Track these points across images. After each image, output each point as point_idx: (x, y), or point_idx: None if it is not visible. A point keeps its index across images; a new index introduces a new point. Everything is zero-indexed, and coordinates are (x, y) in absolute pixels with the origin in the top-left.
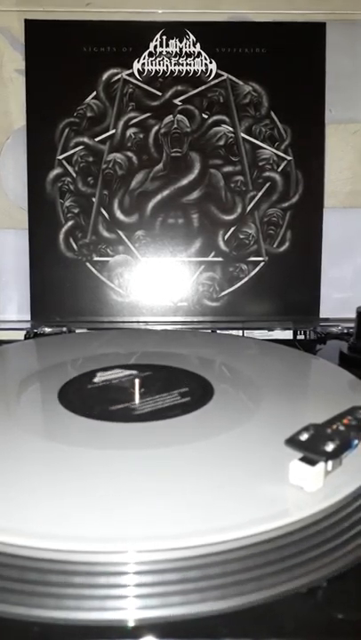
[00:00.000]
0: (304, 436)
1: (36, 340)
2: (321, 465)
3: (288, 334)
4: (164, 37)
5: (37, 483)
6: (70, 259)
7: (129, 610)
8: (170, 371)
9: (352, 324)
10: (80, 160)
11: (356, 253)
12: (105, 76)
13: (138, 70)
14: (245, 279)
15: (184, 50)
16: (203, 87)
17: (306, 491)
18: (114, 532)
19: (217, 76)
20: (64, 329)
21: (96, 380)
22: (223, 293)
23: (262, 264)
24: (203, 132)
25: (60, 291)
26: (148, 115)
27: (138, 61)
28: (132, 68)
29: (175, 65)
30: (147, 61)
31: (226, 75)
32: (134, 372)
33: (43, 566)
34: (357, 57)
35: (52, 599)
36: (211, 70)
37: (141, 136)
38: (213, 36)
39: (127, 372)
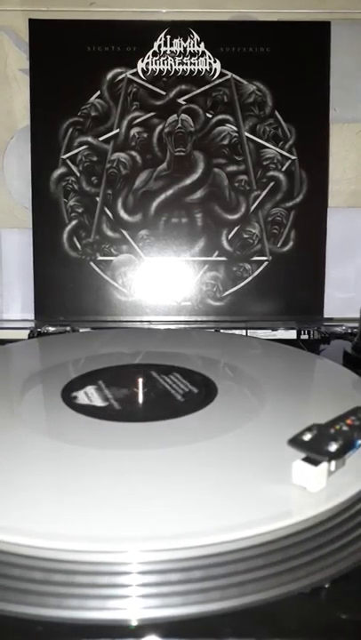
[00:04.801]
0: (307, 436)
1: (40, 339)
2: (324, 465)
3: (292, 334)
4: (169, 37)
5: (40, 481)
6: (74, 258)
7: (131, 609)
8: (173, 370)
9: (356, 324)
10: (84, 159)
11: (360, 253)
12: (109, 76)
13: (142, 70)
14: (249, 279)
15: (188, 49)
16: (207, 86)
17: (309, 491)
18: (116, 532)
19: (221, 75)
20: (68, 328)
21: (93, 405)
22: (227, 293)
23: (266, 264)
24: (207, 131)
25: (64, 290)
26: (152, 114)
27: (142, 61)
28: (136, 67)
29: (179, 64)
30: (151, 61)
31: (230, 74)
32: (96, 385)
33: (45, 565)
34: None
35: (55, 598)
36: (215, 69)
37: (145, 135)
38: (217, 35)
39: (94, 387)
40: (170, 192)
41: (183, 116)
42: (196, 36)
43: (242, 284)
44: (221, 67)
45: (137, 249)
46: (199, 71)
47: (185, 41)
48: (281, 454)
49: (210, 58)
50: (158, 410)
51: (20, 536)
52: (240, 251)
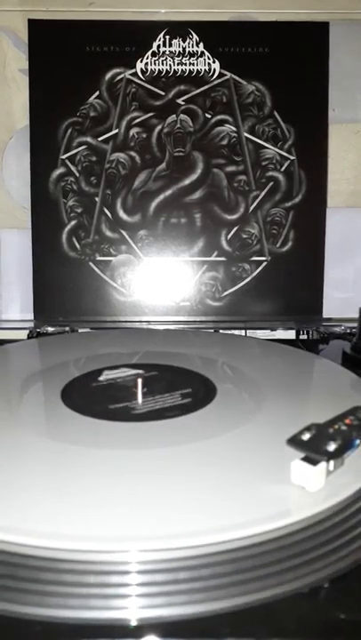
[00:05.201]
0: (306, 436)
1: (39, 339)
2: (323, 465)
3: (291, 334)
4: (168, 37)
5: (40, 481)
6: (73, 258)
7: (131, 609)
8: (174, 370)
9: (355, 324)
10: (83, 160)
11: (359, 253)
12: (108, 76)
13: (141, 70)
14: (248, 279)
15: (187, 49)
16: (206, 87)
17: (307, 490)
18: (116, 532)
19: (220, 75)
20: (67, 328)
21: (102, 378)
22: (226, 293)
23: (265, 264)
24: (206, 131)
25: (63, 290)
26: (151, 114)
27: (141, 61)
28: (135, 67)
29: (178, 64)
30: (150, 61)
31: (229, 74)
32: (140, 371)
33: (45, 565)
34: None
35: (55, 598)
36: (214, 70)
37: (144, 136)
38: (216, 35)
39: (133, 372)
40: (169, 192)
41: (182, 116)
42: (195, 37)
43: (241, 284)
44: (220, 67)
45: (136, 249)
46: (198, 71)
47: (184, 41)
48: (280, 454)
49: (209, 58)
50: (156, 410)
51: (20, 536)
52: (239, 251)
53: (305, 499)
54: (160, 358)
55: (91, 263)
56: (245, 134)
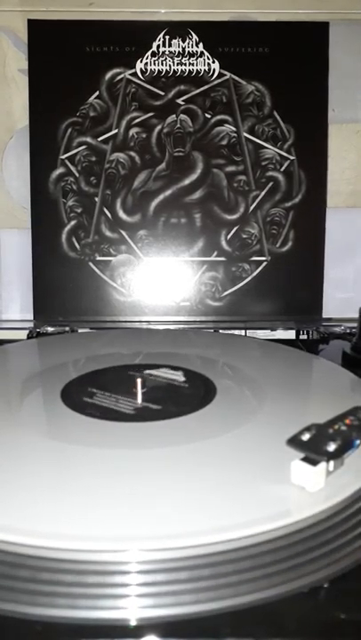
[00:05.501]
0: (306, 436)
1: (39, 339)
2: (323, 465)
3: (291, 334)
4: (167, 37)
5: (40, 481)
6: (73, 258)
7: (131, 609)
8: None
9: (355, 324)
10: (83, 160)
11: (359, 253)
12: (108, 76)
13: (141, 70)
14: (248, 279)
15: (187, 49)
16: (206, 87)
17: (307, 491)
18: (116, 532)
19: (220, 75)
20: (67, 328)
21: (147, 371)
22: (226, 293)
23: (265, 264)
24: (205, 131)
25: (63, 290)
26: (150, 114)
27: (141, 61)
28: (134, 67)
29: (178, 64)
30: (149, 61)
31: (229, 74)
32: (181, 379)
33: (45, 565)
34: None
35: (55, 598)
36: (213, 70)
37: (144, 136)
38: (216, 35)
39: (167, 375)
40: (169, 192)
41: (182, 116)
42: (194, 37)
43: (241, 284)
44: (220, 67)
45: (136, 249)
46: (198, 71)
47: (184, 41)
48: (280, 454)
49: (208, 58)
50: (157, 409)
51: (20, 535)
52: (239, 251)
53: (305, 499)
54: (160, 358)
55: (90, 263)
56: (245, 134)
